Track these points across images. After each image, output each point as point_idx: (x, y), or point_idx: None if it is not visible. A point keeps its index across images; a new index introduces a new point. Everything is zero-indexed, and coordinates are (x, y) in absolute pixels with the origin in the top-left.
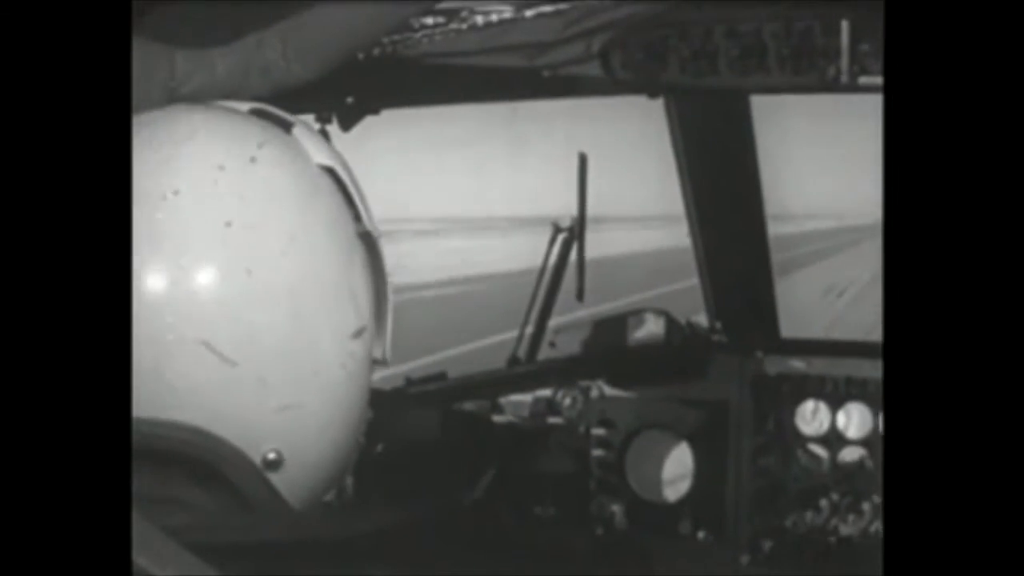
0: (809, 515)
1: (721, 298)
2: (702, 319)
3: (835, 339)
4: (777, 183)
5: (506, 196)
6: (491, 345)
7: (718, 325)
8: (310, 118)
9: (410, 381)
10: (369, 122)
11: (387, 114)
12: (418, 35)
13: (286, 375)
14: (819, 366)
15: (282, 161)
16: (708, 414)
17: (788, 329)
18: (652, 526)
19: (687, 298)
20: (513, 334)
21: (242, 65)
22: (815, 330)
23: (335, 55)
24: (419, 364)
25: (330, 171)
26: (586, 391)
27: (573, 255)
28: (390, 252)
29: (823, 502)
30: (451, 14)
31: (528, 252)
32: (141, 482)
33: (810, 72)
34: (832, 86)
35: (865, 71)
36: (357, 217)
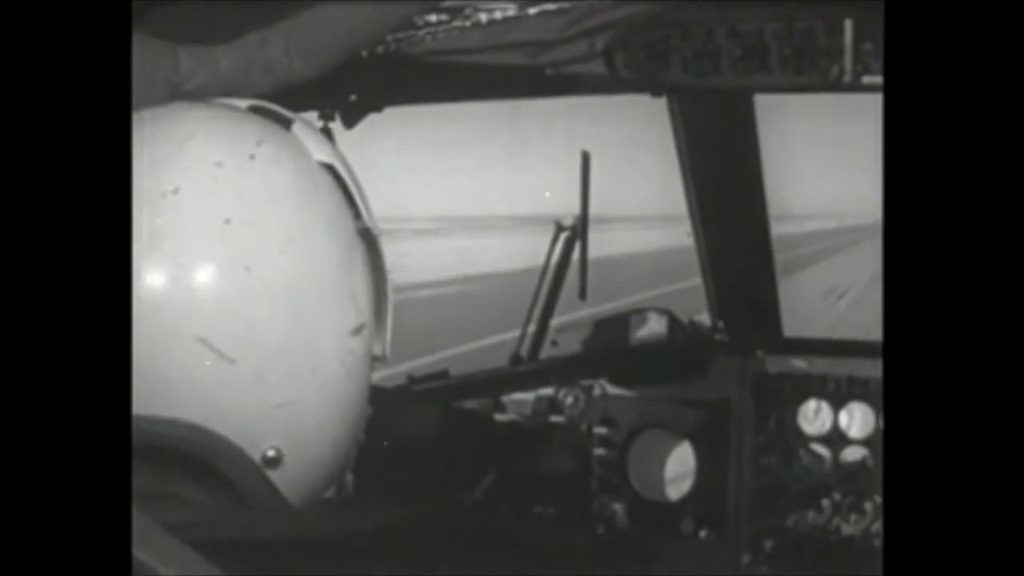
0: (811, 515)
1: (723, 297)
2: (705, 318)
3: (837, 339)
4: (778, 183)
5: (508, 195)
6: (493, 344)
7: (720, 324)
8: (313, 115)
9: (412, 379)
10: (371, 120)
11: (389, 112)
12: (421, 33)
13: (285, 372)
14: (821, 365)
15: (281, 158)
16: (710, 413)
17: (789, 329)
18: (654, 525)
19: (690, 297)
20: (515, 333)
21: (245, 63)
22: (816, 331)
23: (338, 53)
24: (420, 363)
25: (330, 168)
26: (588, 390)
27: (576, 254)
28: (391, 250)
29: (825, 502)
30: (454, 12)
31: (530, 251)
32: (141, 479)
33: (813, 72)
34: (835, 86)
35: (868, 71)
36: (357, 214)
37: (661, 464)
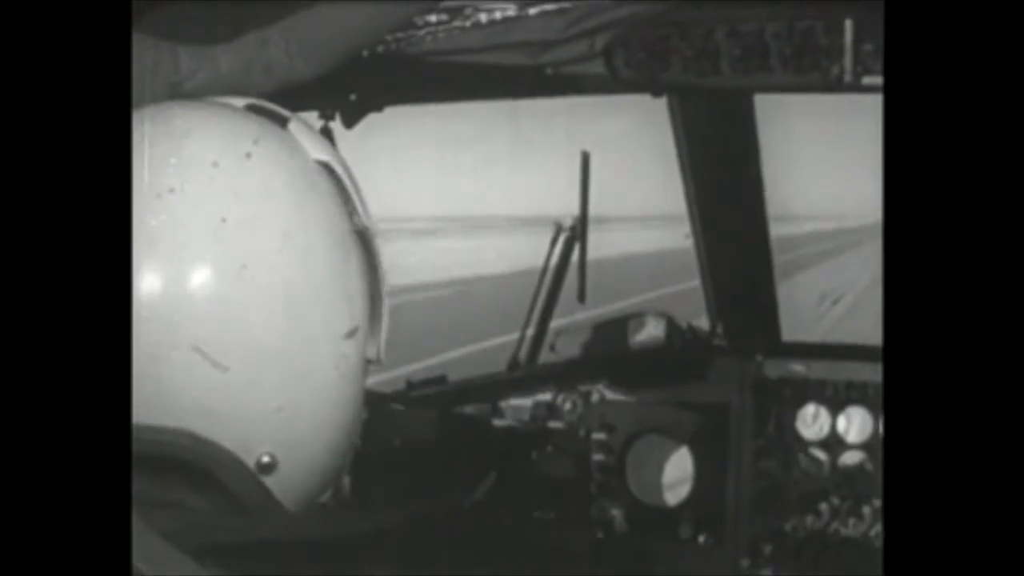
0: (809, 519)
1: (722, 300)
2: (703, 322)
3: (835, 343)
4: (778, 183)
5: (507, 195)
6: (491, 348)
7: (719, 329)
8: (313, 115)
9: (410, 384)
10: (371, 119)
11: (389, 111)
12: (421, 32)
13: (278, 377)
14: (819, 370)
15: (277, 157)
16: (708, 418)
17: (788, 333)
18: (652, 530)
19: (688, 300)
20: (513, 336)
21: (246, 62)
22: (815, 334)
23: (338, 52)
24: (418, 367)
25: (326, 166)
26: (586, 395)
27: (575, 256)
28: (387, 251)
29: (823, 506)
30: (454, 12)
31: (529, 252)
32: (139, 486)
33: (813, 72)
34: (835, 86)
35: (868, 71)
36: (353, 213)
37: (660, 469)
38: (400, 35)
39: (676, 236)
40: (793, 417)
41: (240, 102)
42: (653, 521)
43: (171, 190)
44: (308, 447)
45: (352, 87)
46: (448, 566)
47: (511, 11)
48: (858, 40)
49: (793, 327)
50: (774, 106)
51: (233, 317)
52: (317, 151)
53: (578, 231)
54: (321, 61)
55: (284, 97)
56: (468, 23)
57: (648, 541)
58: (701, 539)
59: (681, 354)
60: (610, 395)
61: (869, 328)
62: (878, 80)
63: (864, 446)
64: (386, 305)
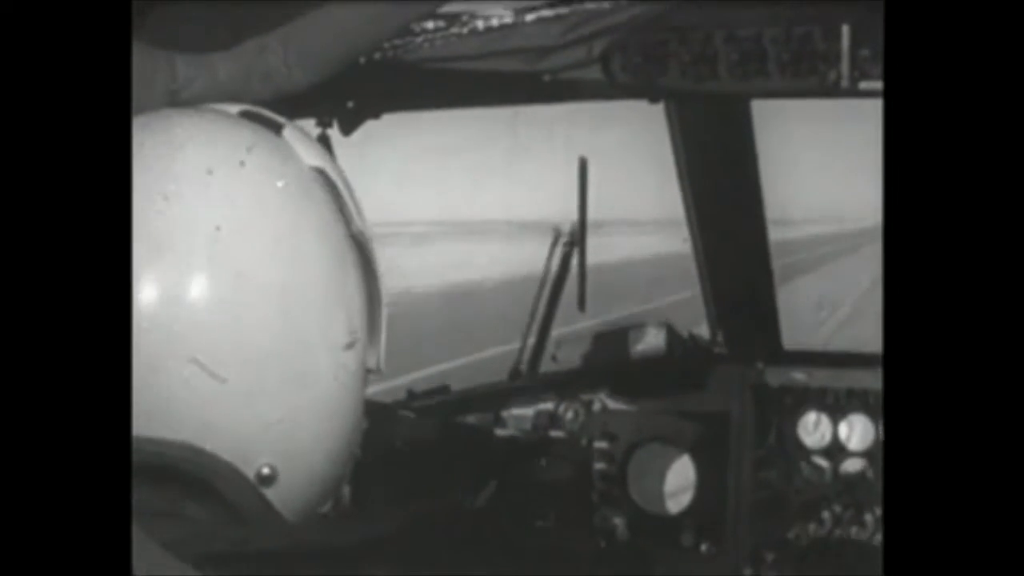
0: (811, 527)
1: (722, 306)
2: (704, 331)
3: (837, 350)
4: (777, 188)
5: (505, 202)
6: (493, 357)
7: (719, 337)
8: (311, 122)
9: (412, 394)
10: (368, 126)
11: (386, 118)
12: (419, 40)
13: (277, 388)
14: (820, 377)
15: (272, 164)
16: (710, 426)
17: (788, 338)
18: (654, 538)
19: (689, 309)
20: (514, 345)
21: (243, 70)
22: (816, 340)
23: (336, 60)
24: (419, 376)
25: (321, 172)
26: (588, 404)
27: (574, 263)
28: (385, 256)
29: (825, 513)
30: (452, 19)
31: (528, 259)
32: (139, 496)
33: (810, 77)
34: (833, 91)
35: (865, 76)
36: (349, 219)
37: (661, 477)
38: (397, 42)
39: (673, 241)
40: (794, 425)
41: (235, 109)
42: (655, 529)
43: (166, 197)
44: (308, 458)
45: (349, 94)
46: (448, 567)
47: (508, 18)
48: (855, 45)
49: (793, 332)
50: (772, 111)
51: (229, 326)
52: (312, 157)
53: (577, 237)
54: (319, 68)
55: (282, 104)
56: (465, 30)
57: (650, 550)
58: (703, 547)
59: (682, 363)
60: (612, 404)
61: (870, 333)
62: (875, 85)
63: (866, 454)
64: (385, 313)
